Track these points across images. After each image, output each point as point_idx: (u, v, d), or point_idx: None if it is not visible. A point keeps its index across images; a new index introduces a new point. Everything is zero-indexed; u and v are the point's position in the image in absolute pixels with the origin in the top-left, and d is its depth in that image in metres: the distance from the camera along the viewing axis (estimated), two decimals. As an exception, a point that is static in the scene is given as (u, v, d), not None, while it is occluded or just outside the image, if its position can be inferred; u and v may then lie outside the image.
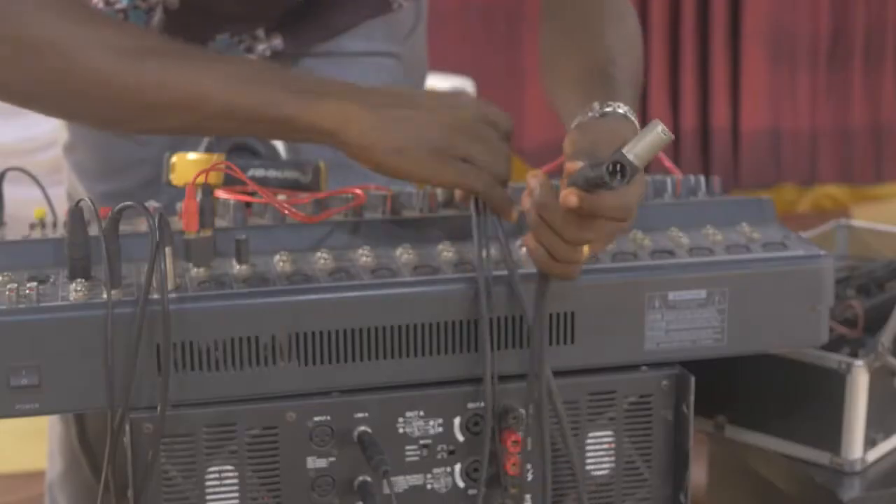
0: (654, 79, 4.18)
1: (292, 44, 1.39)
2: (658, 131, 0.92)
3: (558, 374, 1.07)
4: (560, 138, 1.06)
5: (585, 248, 1.01)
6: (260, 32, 1.38)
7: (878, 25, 4.35)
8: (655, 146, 0.92)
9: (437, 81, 2.79)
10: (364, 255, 1.07)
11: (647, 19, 4.15)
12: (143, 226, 1.06)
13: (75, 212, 1.02)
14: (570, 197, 0.96)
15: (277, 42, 1.38)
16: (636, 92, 1.15)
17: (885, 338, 1.31)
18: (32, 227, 1.16)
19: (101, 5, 1.31)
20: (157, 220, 0.97)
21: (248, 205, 1.13)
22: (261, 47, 1.38)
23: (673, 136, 0.94)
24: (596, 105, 1.06)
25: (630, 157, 0.92)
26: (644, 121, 0.98)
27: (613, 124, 1.04)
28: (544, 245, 1.00)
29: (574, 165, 0.98)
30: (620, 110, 1.06)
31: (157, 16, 1.31)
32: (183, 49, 1.09)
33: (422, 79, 1.59)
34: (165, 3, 1.31)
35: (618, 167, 0.92)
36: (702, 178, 1.23)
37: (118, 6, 1.31)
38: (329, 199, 1.13)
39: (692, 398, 1.08)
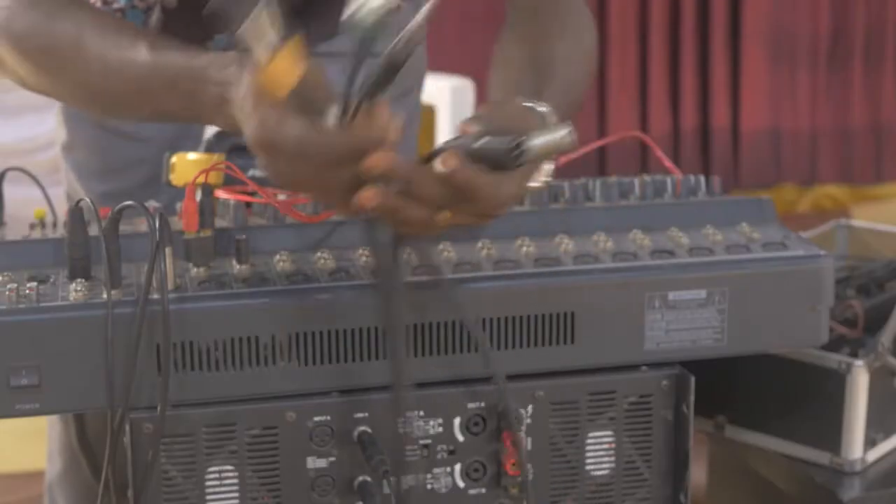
0: (654, 79, 4.17)
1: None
2: (564, 133, 0.90)
3: (559, 374, 1.07)
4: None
5: (448, 213, 0.94)
6: (259, 32, 1.37)
7: (878, 25, 4.35)
8: (556, 146, 0.90)
9: (437, 81, 2.78)
10: (364, 255, 1.07)
11: (647, 19, 4.15)
12: (143, 226, 1.06)
13: (75, 212, 1.02)
14: (450, 159, 0.90)
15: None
16: (568, 105, 1.13)
17: (885, 338, 1.31)
18: (32, 227, 1.15)
19: (98, 4, 1.30)
20: (157, 220, 0.97)
21: (248, 205, 1.13)
22: (260, 47, 1.37)
23: (576, 147, 0.92)
24: (520, 98, 1.05)
25: (531, 143, 0.89)
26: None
27: (526, 112, 1.02)
28: (401, 211, 0.92)
29: (469, 127, 0.95)
30: (540, 108, 1.04)
31: (155, 15, 1.31)
32: (115, 55, 1.09)
33: (421, 79, 1.59)
34: (164, 2, 1.31)
35: (520, 147, 0.89)
36: (702, 178, 1.23)
37: (115, 6, 1.31)
38: (329, 199, 1.13)
39: (692, 398, 1.08)
